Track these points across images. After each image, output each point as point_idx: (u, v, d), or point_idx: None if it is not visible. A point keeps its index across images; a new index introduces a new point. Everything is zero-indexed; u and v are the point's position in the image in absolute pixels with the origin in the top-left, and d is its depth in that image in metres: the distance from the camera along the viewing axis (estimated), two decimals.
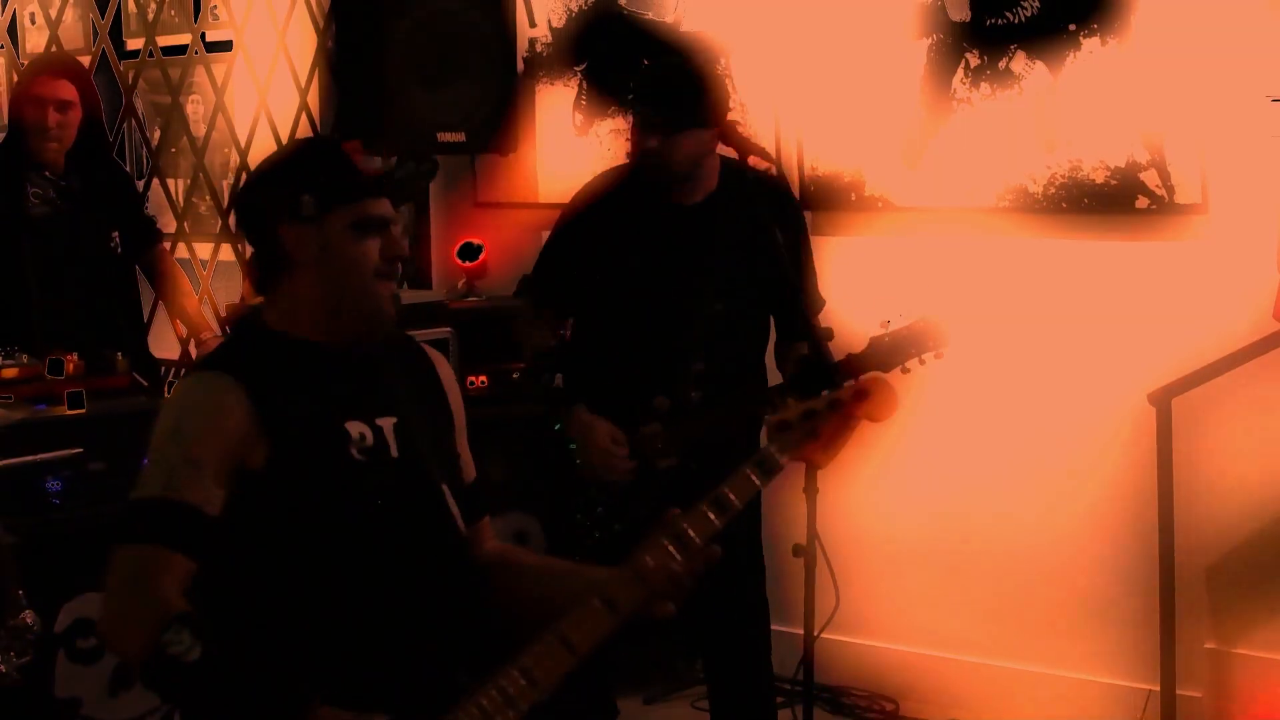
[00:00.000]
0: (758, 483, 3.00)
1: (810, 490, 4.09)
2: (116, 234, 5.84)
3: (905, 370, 4.18)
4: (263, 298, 3.01)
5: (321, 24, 6.46)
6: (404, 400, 3.01)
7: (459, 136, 6.00)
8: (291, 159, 3.09)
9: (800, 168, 5.78)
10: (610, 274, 4.61)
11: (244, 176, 6.55)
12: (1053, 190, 5.28)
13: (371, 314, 2.96)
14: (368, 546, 2.87)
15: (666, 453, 4.50)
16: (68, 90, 5.69)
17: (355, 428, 2.91)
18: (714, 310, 4.52)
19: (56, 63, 6.04)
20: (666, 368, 4.54)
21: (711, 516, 2.93)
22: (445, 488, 3.02)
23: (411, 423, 2.99)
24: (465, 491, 3.11)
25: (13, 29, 7.06)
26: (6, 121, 5.91)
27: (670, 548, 2.89)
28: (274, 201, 2.94)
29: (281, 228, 2.92)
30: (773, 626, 4.85)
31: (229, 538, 2.78)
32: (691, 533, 2.90)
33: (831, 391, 3.10)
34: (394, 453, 2.94)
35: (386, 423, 2.95)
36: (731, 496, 2.95)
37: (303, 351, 2.94)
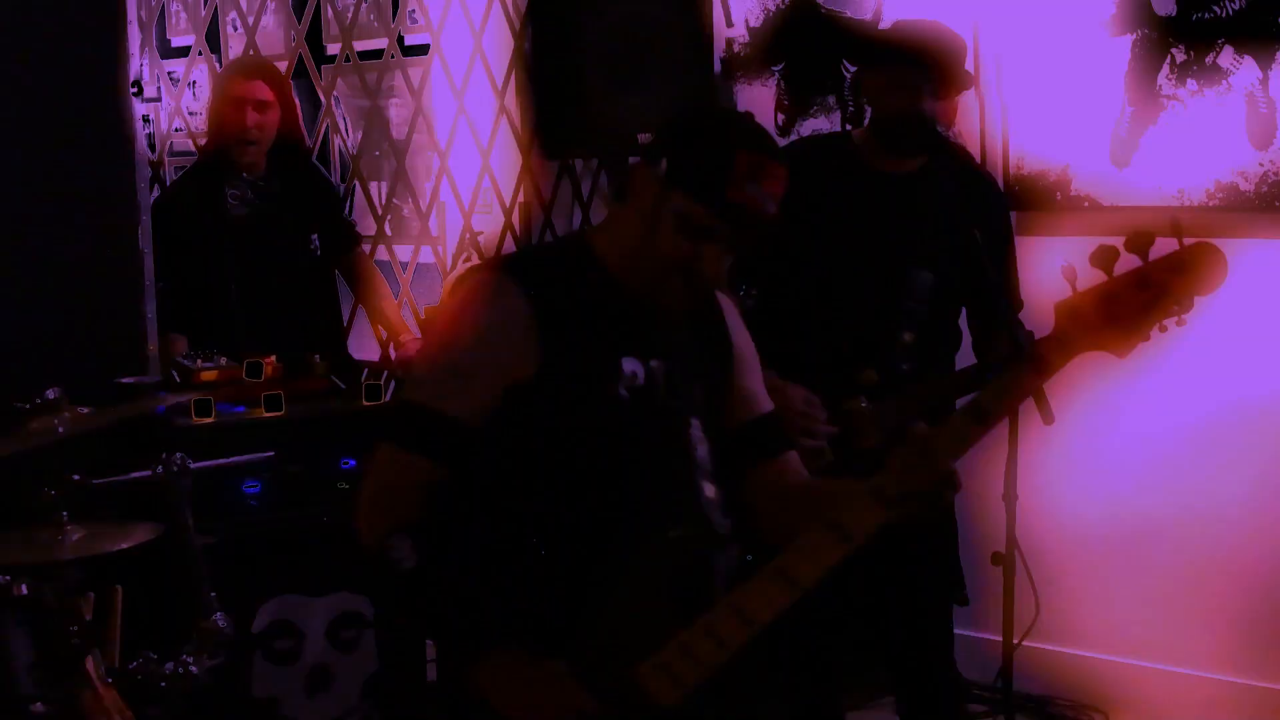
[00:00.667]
0: (1024, 379, 2.71)
1: (1009, 497, 4.01)
2: (316, 236, 5.89)
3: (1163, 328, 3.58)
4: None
5: (518, 26, 6.46)
6: (684, 344, 2.96)
7: None
8: (727, 125, 2.90)
9: (1005, 166, 5.67)
10: (812, 240, 4.38)
11: (443, 179, 6.59)
12: (1265, 188, 5.12)
13: (659, 296, 2.87)
14: (607, 485, 2.84)
15: (872, 431, 4.19)
16: (264, 91, 5.75)
17: (629, 364, 2.87)
18: (923, 280, 4.31)
19: (252, 65, 6.10)
20: (872, 338, 4.30)
21: (965, 429, 2.71)
22: (706, 442, 2.95)
23: (685, 368, 2.94)
24: (753, 428, 3.06)
25: (215, 37, 7.15)
26: (208, 126, 5.97)
27: (913, 461, 2.70)
28: (647, 145, 2.91)
29: (637, 166, 2.89)
30: (973, 634, 4.76)
31: (485, 449, 2.81)
32: (939, 446, 2.70)
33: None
34: (659, 397, 2.89)
35: (659, 366, 2.91)
36: (991, 404, 2.72)
37: (600, 281, 2.89)
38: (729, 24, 6.47)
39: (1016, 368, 2.72)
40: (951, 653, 4.58)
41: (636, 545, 2.80)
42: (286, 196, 5.80)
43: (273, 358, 5.10)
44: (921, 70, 4.26)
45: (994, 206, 4.54)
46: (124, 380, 4.99)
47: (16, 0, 5.20)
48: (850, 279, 4.38)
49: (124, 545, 3.77)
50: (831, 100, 6.26)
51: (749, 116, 3.07)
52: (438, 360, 2.87)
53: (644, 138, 5.92)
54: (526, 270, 2.89)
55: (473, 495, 2.84)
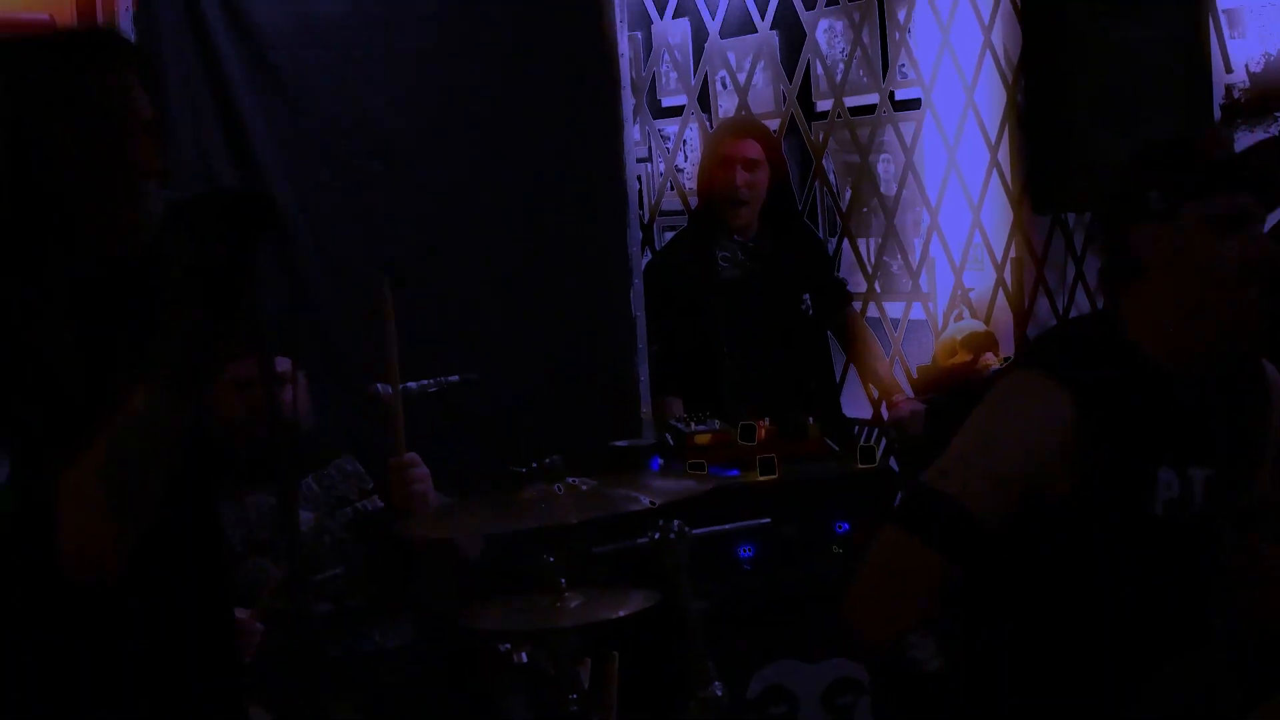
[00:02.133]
0: None
1: None
2: (807, 296, 5.86)
3: None
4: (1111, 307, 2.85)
5: (1010, 78, 6.34)
6: (1225, 445, 2.78)
7: None
8: (1142, 153, 2.85)
9: None
10: None
11: (934, 236, 6.51)
12: None
13: (1232, 328, 2.71)
14: (1128, 601, 2.69)
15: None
16: (754, 149, 5.75)
17: (1165, 474, 2.70)
18: None
19: (742, 124, 6.13)
20: None
21: None
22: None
23: (1225, 475, 2.76)
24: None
25: (704, 95, 7.23)
26: (698, 186, 6.02)
27: None
28: (1122, 198, 2.78)
29: (1131, 227, 2.75)
30: None
31: (1000, 553, 2.68)
32: None
33: None
34: (1195, 510, 2.72)
35: (1198, 474, 2.73)
36: None
37: (1145, 373, 2.72)
38: (1228, 70, 6.19)
39: None
40: None
41: (1156, 665, 2.67)
42: (778, 257, 5.80)
43: (765, 420, 5.09)
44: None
45: None
46: (618, 444, 5.07)
47: (520, 67, 5.36)
48: None
49: (622, 613, 3.78)
50: None
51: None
52: (973, 457, 2.71)
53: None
54: (1075, 375, 2.71)
55: (989, 600, 2.72)
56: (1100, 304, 2.90)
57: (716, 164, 5.78)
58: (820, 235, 6.79)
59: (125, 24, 4.65)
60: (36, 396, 2.37)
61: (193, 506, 2.63)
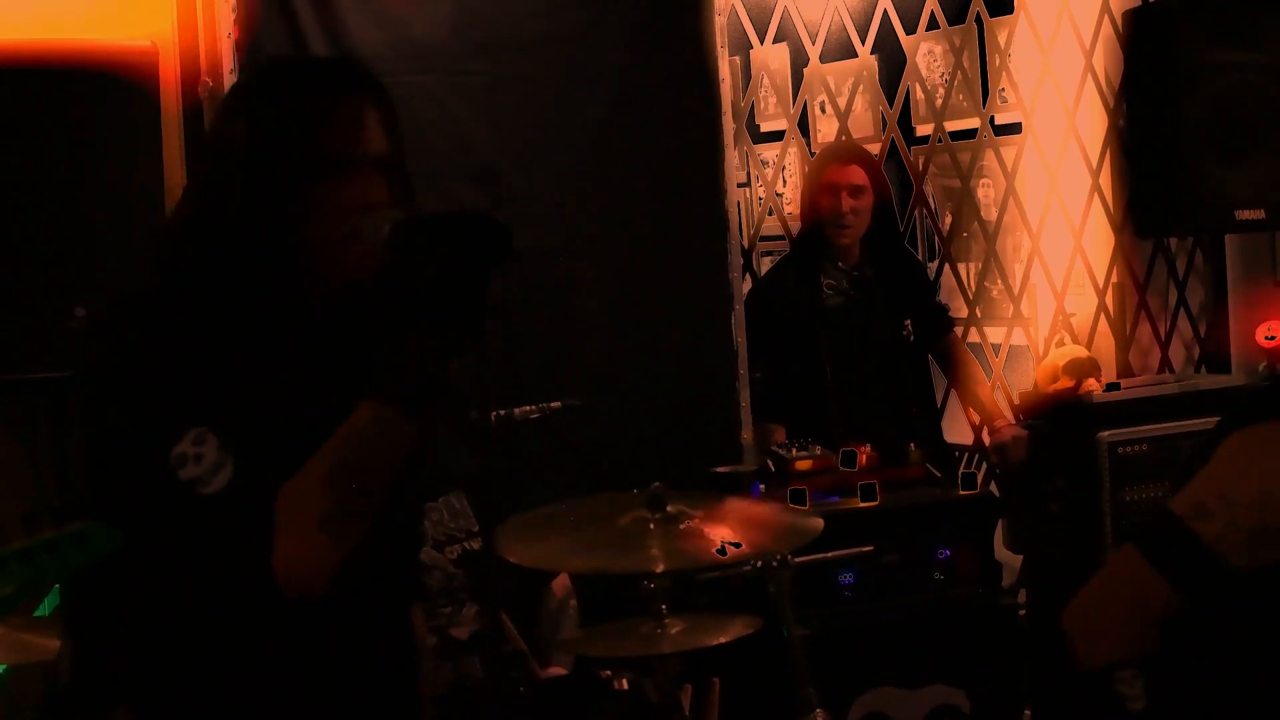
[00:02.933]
0: None
1: None
2: (909, 322, 5.84)
3: None
4: None
5: (1112, 103, 6.31)
6: None
7: (1258, 214, 5.72)
8: None
9: None
10: None
11: (1035, 261, 6.48)
12: None
13: None
14: None
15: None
16: (859, 175, 5.73)
17: None
18: None
19: (846, 150, 6.12)
20: None
21: None
22: None
23: None
24: None
25: (804, 121, 7.24)
26: (800, 212, 6.02)
27: None
28: None
29: None
30: None
31: (1237, 600, 2.60)
32: None
33: None
34: None
35: None
36: None
37: None
38: None
39: None
40: None
41: None
42: (880, 283, 5.78)
43: (867, 446, 5.08)
44: None
45: None
46: (719, 469, 5.07)
47: (622, 93, 5.39)
48: None
49: (723, 639, 3.78)
50: None
51: None
52: (1242, 507, 2.57)
53: (1243, 214, 5.69)
54: None
55: (1210, 644, 2.66)
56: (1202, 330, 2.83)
57: (821, 190, 5.76)
58: (921, 260, 6.78)
59: (227, 50, 4.72)
60: (264, 414, 2.40)
61: (400, 532, 2.67)
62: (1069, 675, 2.65)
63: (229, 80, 4.67)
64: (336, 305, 2.54)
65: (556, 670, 4.19)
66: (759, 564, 4.02)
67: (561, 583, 4.34)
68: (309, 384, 2.47)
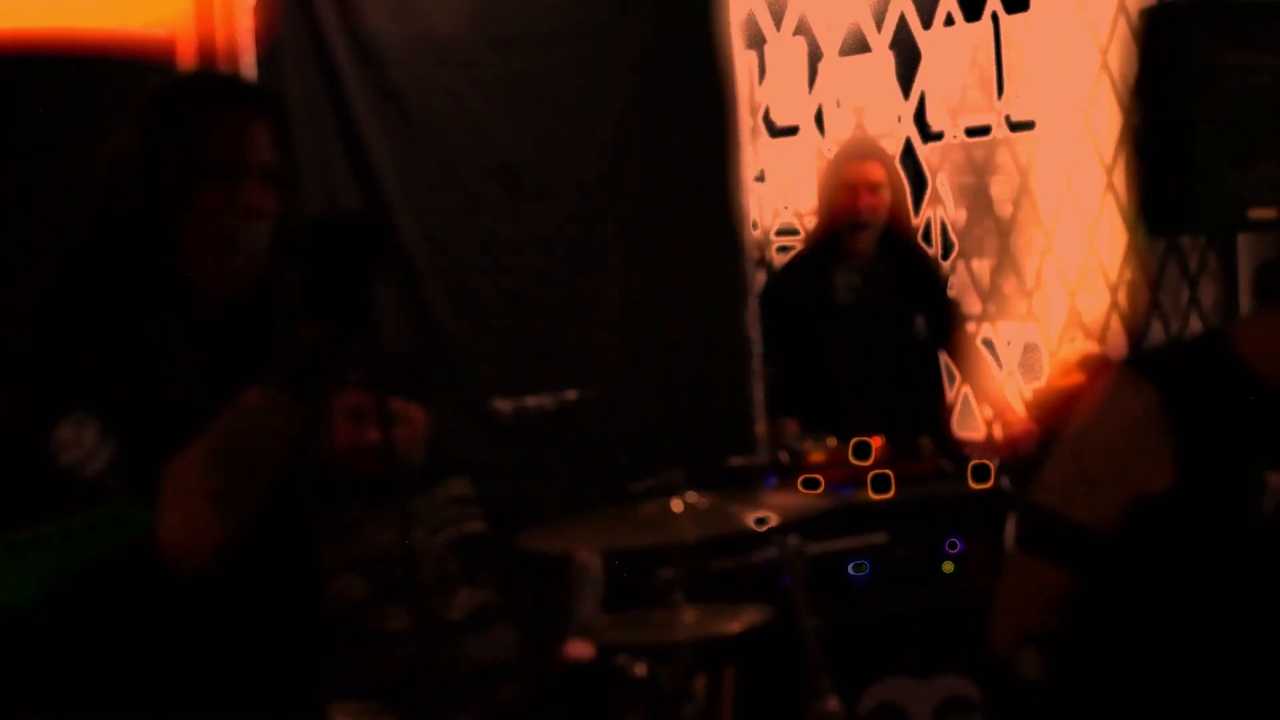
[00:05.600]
0: None
1: None
2: (920, 317, 5.87)
3: None
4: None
5: (1126, 101, 6.33)
6: None
7: (1271, 213, 5.75)
8: None
9: None
10: None
11: (1048, 258, 6.51)
12: None
13: None
14: (1241, 608, 2.67)
15: None
16: (877, 172, 5.72)
17: (1276, 478, 2.67)
18: None
19: (864, 147, 6.10)
20: None
21: None
22: None
23: None
24: None
25: (819, 115, 7.26)
26: (817, 208, 6.03)
27: None
28: None
29: None
30: None
31: (1115, 557, 2.70)
32: None
33: None
34: None
35: None
36: None
37: (1247, 384, 2.70)
38: None
39: None
40: None
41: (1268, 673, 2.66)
42: (893, 279, 5.79)
43: (880, 439, 5.10)
44: None
45: None
46: (733, 462, 5.10)
47: (639, 87, 5.43)
48: None
49: (737, 627, 3.81)
50: None
51: None
52: (1066, 463, 2.76)
53: (1256, 212, 5.72)
54: (1160, 369, 2.75)
55: (1101, 610, 2.74)
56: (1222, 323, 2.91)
57: (839, 187, 5.74)
58: (934, 257, 6.80)
59: (246, 40, 4.75)
60: (145, 403, 2.51)
61: (290, 516, 2.75)
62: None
63: (247, 71, 4.70)
64: (217, 307, 2.66)
65: (580, 649, 4.22)
66: (775, 551, 4.06)
67: (589, 558, 4.36)
68: (189, 379, 2.58)
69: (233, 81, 2.96)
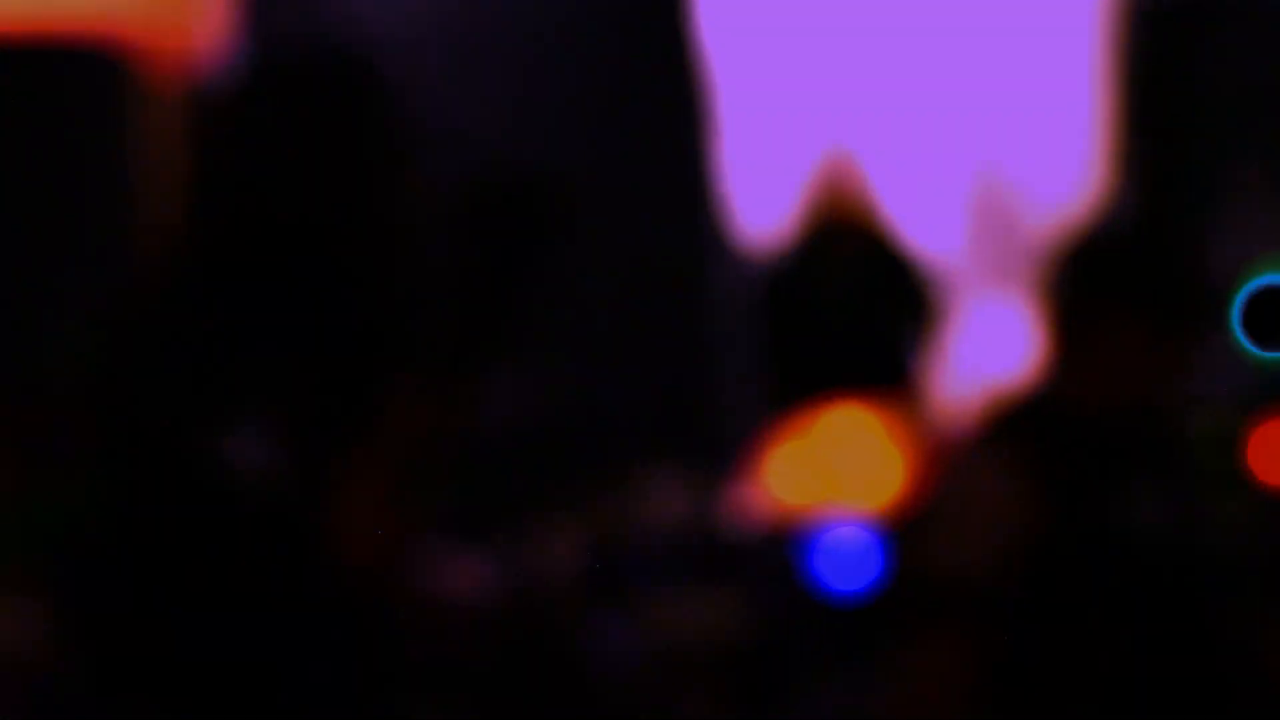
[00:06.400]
0: None
1: None
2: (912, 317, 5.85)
3: None
4: None
5: None
6: None
7: None
8: None
9: None
10: None
11: None
12: None
13: None
14: None
15: None
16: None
17: None
18: None
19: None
20: None
21: None
22: None
23: None
24: None
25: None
26: (803, 204, 6.02)
27: None
28: None
29: None
30: None
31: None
32: None
33: None
34: None
35: None
36: None
37: None
38: None
39: None
40: None
41: None
42: (882, 277, 5.81)
43: None
44: None
45: None
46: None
47: (625, 78, 5.41)
48: None
49: None
50: None
51: None
52: None
53: None
54: None
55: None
56: None
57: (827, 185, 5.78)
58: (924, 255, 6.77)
59: (226, 30, 4.77)
60: (312, 389, 2.34)
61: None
62: None
63: (226, 60, 4.67)
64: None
65: None
66: None
67: None
68: (356, 365, 2.38)
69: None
